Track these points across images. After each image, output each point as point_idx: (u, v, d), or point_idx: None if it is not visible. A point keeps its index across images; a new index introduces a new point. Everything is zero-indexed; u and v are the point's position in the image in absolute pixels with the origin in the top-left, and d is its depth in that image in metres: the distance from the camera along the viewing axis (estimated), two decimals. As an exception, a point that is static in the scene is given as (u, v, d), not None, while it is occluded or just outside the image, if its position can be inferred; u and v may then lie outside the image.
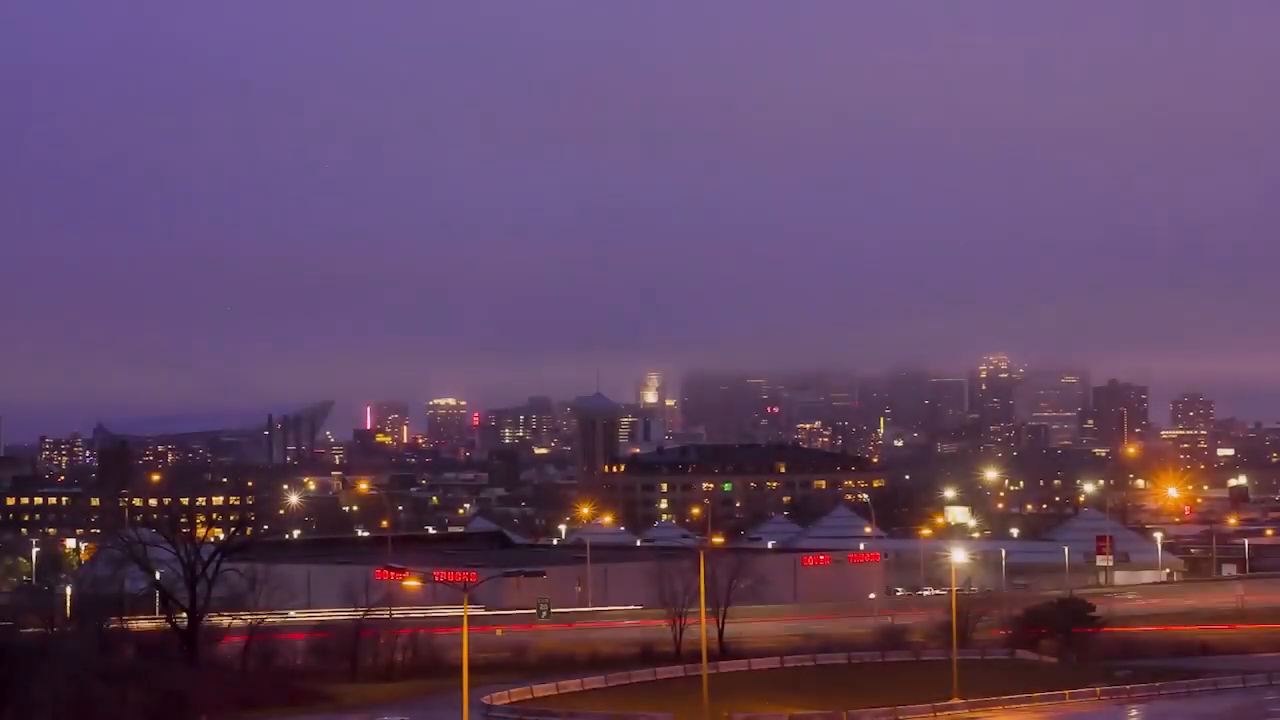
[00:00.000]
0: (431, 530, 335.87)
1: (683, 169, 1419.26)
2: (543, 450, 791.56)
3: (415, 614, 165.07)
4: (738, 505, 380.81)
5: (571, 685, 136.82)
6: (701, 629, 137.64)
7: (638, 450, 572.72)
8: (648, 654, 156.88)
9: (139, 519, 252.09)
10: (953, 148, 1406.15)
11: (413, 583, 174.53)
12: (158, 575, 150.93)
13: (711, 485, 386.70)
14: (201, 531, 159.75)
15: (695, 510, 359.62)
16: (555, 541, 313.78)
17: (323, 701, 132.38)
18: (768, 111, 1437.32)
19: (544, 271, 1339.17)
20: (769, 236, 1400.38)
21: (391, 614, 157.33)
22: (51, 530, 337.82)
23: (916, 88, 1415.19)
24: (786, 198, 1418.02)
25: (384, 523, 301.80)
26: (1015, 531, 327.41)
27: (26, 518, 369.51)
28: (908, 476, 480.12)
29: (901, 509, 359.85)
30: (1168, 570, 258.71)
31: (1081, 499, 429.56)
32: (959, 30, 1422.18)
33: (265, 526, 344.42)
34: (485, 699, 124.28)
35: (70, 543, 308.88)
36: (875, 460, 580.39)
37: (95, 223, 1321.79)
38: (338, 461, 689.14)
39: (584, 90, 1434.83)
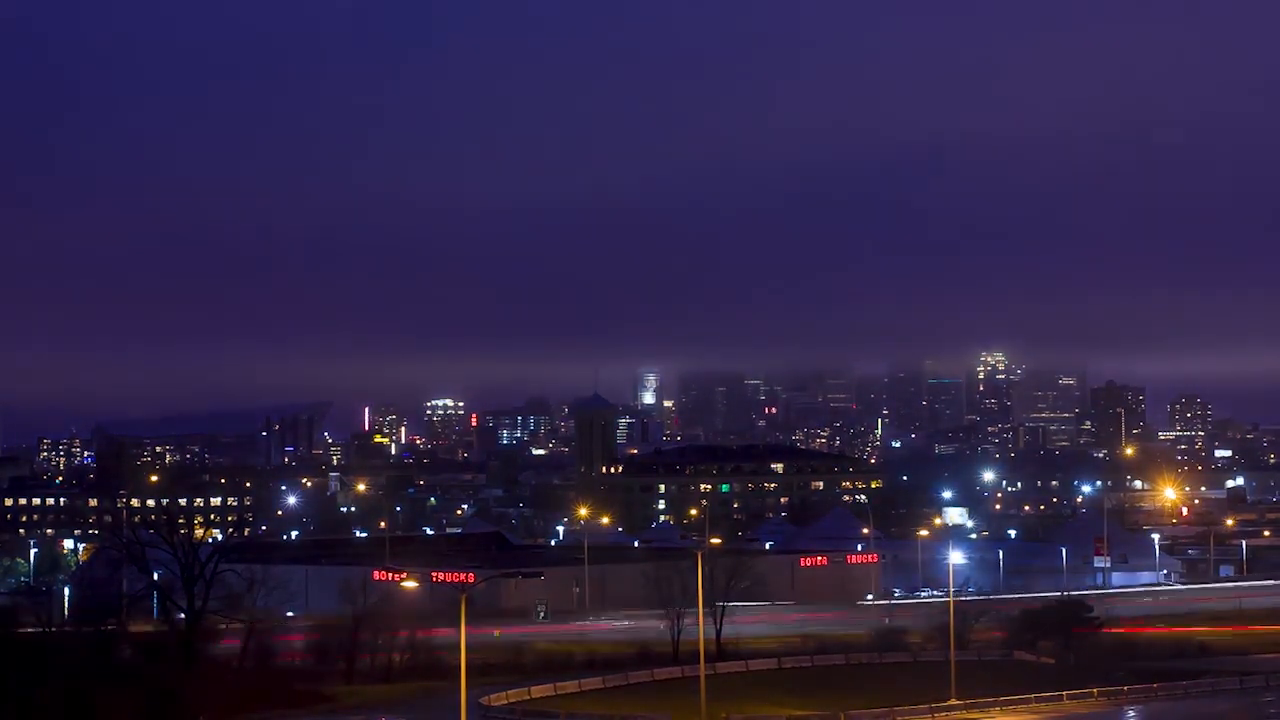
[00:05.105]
0: (429, 531, 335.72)
1: (682, 169, 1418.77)
2: (540, 451, 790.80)
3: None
4: (735, 506, 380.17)
5: (569, 686, 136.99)
6: (699, 630, 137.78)
7: (635, 451, 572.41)
8: (645, 655, 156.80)
9: (137, 520, 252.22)
10: (947, 149, 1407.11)
11: (410, 584, 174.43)
12: (156, 576, 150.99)
13: (709, 486, 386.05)
14: (199, 532, 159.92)
15: (693, 511, 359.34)
16: (553, 542, 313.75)
17: (321, 702, 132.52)
18: (768, 114, 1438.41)
19: (542, 272, 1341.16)
20: (768, 236, 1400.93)
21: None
22: (50, 531, 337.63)
23: (909, 90, 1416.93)
24: (786, 199, 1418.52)
25: (382, 524, 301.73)
26: (1013, 533, 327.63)
27: (24, 518, 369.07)
28: (905, 477, 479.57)
29: (899, 510, 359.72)
30: (1165, 571, 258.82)
31: (1079, 500, 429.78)
32: (961, 32, 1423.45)
33: (263, 527, 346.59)
34: (483, 700, 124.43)
35: (68, 543, 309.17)
36: (873, 461, 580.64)
37: (93, 222, 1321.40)
38: (335, 462, 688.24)
39: (583, 91, 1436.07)
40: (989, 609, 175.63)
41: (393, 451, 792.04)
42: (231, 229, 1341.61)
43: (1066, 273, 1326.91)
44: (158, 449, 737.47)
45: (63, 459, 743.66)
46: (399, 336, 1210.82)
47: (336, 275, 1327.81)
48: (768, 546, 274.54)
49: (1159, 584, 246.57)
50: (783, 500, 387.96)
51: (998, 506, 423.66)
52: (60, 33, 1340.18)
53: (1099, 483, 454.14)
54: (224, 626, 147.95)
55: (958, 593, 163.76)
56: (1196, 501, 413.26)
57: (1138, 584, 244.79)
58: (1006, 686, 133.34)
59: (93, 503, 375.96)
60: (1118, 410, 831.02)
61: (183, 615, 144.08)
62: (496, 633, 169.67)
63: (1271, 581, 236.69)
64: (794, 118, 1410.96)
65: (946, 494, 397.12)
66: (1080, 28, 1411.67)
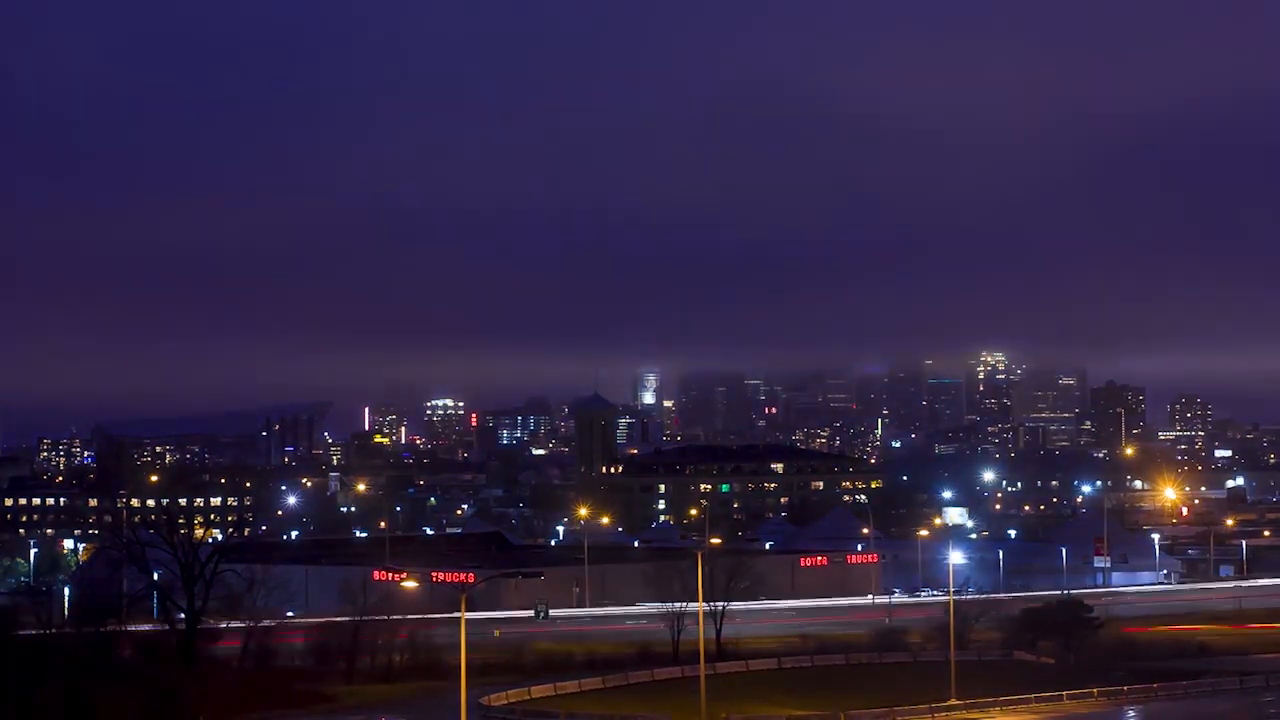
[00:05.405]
0: (429, 531, 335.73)
1: (683, 169, 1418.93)
2: (540, 451, 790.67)
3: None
4: (735, 506, 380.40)
5: (569, 686, 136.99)
6: (699, 630, 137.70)
7: (635, 451, 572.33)
8: (645, 655, 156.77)
9: (137, 520, 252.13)
10: (947, 149, 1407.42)
11: (410, 584, 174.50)
12: (155, 576, 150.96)
13: (709, 486, 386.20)
14: (199, 532, 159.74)
15: (693, 511, 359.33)
16: (553, 542, 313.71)
17: (321, 702, 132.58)
18: (768, 112, 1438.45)
19: (542, 273, 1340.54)
20: (768, 236, 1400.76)
21: (390, 620, 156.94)
22: (50, 531, 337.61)
23: (913, 90, 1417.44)
24: (786, 198, 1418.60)
25: (382, 524, 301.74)
26: (1013, 533, 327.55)
27: (24, 518, 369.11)
28: (905, 477, 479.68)
29: (899, 510, 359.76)
30: (1165, 571, 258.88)
31: (1079, 500, 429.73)
32: (960, 33, 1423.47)
33: (263, 527, 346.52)
34: (483, 700, 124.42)
35: (68, 543, 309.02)
36: (873, 461, 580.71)
37: (94, 222, 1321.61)
38: (335, 462, 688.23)
39: (583, 91, 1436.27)
40: (989, 609, 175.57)
41: (393, 452, 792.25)
42: (231, 229, 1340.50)
43: (1066, 273, 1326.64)
44: (158, 449, 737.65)
45: (63, 459, 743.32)
46: (399, 336, 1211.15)
47: (336, 275, 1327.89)
48: (768, 546, 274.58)
49: (1159, 584, 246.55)
50: (783, 500, 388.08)
51: (998, 506, 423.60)
52: (60, 32, 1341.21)
53: (1099, 483, 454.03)
54: (224, 626, 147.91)
55: (958, 593, 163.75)
56: (1196, 501, 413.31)
57: (1138, 584, 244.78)
58: (1006, 686, 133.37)
59: (93, 503, 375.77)
60: (1118, 410, 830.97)
61: (183, 615, 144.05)
62: (496, 632, 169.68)
63: (1272, 581, 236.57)
64: (793, 117, 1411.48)
65: (946, 494, 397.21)
66: (1079, 28, 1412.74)
